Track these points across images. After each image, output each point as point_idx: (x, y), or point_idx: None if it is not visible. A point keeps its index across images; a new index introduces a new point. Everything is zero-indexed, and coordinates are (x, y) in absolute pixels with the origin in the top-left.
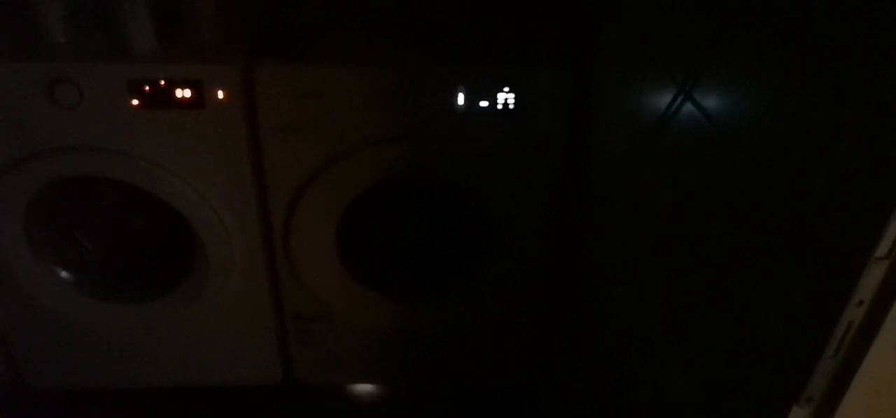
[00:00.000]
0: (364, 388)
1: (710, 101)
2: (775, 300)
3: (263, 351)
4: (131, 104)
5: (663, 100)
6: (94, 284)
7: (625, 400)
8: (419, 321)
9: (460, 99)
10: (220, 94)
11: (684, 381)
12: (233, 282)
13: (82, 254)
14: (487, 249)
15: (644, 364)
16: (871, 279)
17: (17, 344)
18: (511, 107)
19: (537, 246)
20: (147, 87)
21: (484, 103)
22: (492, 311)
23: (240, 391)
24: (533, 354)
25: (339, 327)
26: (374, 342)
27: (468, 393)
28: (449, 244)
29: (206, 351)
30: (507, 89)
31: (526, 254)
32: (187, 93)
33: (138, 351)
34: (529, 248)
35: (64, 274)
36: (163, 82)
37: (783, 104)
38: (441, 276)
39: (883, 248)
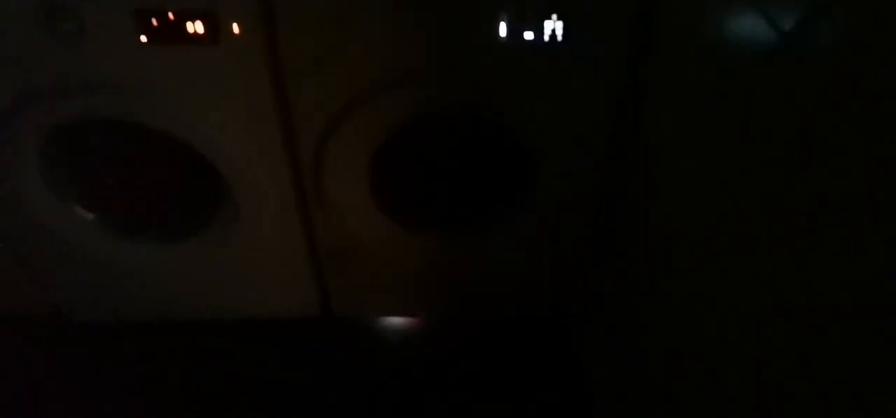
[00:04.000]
0: (401, 321)
1: (828, 40)
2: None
3: (300, 284)
4: (140, 40)
5: (759, 33)
6: (122, 225)
7: (672, 343)
8: (456, 256)
9: (502, 29)
10: (236, 28)
11: (744, 337)
12: (264, 221)
13: (108, 196)
14: (530, 187)
15: (698, 312)
16: None
17: (53, 281)
18: (559, 38)
19: (586, 186)
20: (155, 20)
21: (529, 34)
22: (532, 248)
23: (279, 322)
24: (574, 290)
25: (374, 263)
26: (410, 276)
27: (503, 326)
28: (489, 181)
29: (242, 286)
30: (555, 17)
31: (573, 195)
32: (199, 27)
33: (175, 287)
34: (577, 189)
35: (91, 216)
36: (172, 15)
37: None
38: (479, 211)
39: None
